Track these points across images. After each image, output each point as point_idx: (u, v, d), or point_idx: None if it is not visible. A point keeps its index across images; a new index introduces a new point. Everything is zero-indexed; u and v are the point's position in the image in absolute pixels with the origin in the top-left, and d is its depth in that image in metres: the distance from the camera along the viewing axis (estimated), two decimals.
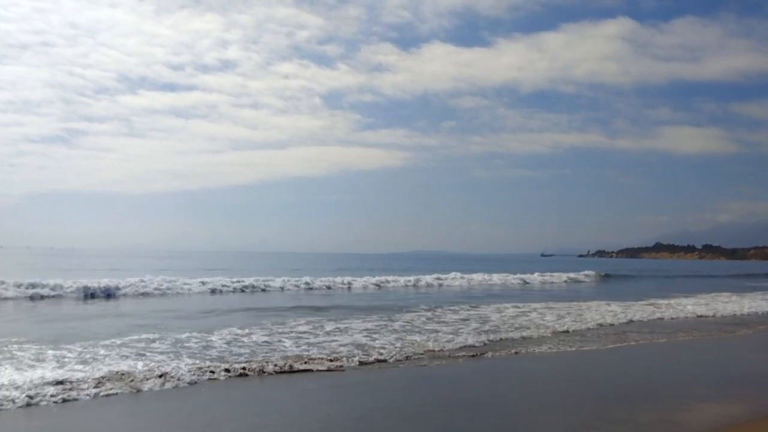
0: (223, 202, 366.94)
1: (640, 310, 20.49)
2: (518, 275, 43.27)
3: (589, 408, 7.97)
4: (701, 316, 19.81)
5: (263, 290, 27.85)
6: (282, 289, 28.80)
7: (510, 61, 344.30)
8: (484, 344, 12.60)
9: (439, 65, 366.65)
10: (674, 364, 11.48)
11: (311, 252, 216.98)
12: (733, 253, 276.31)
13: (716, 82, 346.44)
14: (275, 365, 9.91)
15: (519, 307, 20.49)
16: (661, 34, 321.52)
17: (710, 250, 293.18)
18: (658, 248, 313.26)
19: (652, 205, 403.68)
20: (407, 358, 10.99)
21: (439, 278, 37.22)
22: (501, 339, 13.33)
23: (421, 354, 11.34)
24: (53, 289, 21.95)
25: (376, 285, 32.94)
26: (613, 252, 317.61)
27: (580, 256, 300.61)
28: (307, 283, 30.19)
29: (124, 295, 23.26)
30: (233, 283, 27.92)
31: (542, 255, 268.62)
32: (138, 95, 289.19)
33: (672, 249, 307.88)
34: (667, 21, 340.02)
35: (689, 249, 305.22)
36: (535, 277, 44.12)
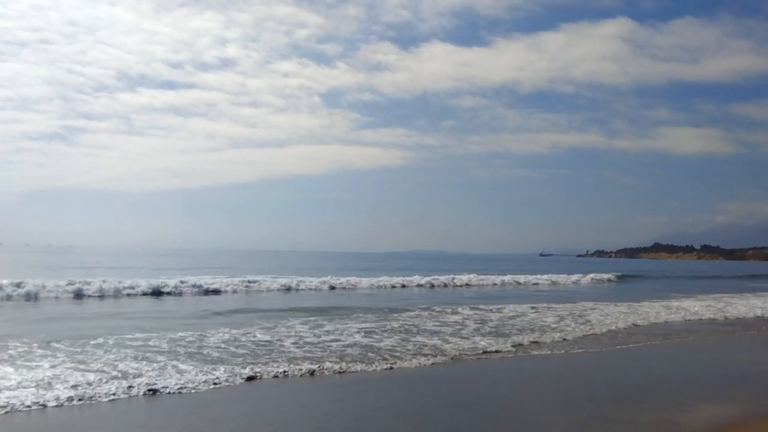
0: (222, 200, 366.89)
1: (650, 311, 20.45)
2: (546, 276, 42.98)
3: (588, 408, 7.95)
4: (713, 319, 19.35)
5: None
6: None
7: (509, 61, 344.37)
8: (513, 348, 12.37)
9: (439, 65, 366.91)
10: (674, 365, 11.46)
11: (309, 250, 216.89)
12: (731, 254, 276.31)
13: (715, 83, 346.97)
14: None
15: (535, 309, 20.23)
16: (660, 35, 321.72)
17: (709, 251, 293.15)
18: (657, 248, 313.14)
19: (650, 205, 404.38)
20: (441, 360, 10.92)
21: (453, 278, 36.58)
22: (521, 344, 13.04)
23: (446, 358, 11.22)
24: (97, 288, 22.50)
25: (401, 285, 32.71)
26: (611, 252, 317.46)
27: (579, 255, 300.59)
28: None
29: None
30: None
31: (541, 255, 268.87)
32: (137, 93, 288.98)
33: (671, 249, 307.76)
34: (666, 21, 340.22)
35: (688, 249, 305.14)
36: (560, 278, 43.41)
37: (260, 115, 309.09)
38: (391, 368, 10.11)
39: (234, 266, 52.96)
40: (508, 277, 40.41)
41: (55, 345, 10.91)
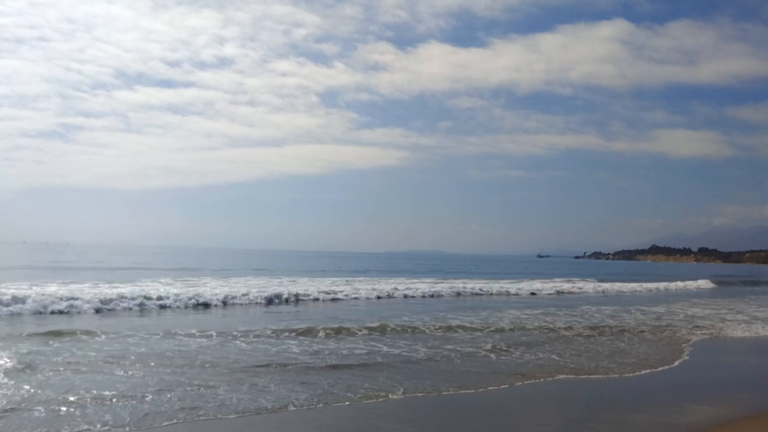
0: (220, 199, 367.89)
1: None
2: (655, 283, 42.57)
3: (584, 409, 8.04)
4: None
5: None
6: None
7: (506, 62, 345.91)
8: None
9: (436, 65, 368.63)
10: (670, 366, 11.53)
11: (306, 250, 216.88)
12: (728, 257, 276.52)
13: (712, 86, 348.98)
14: None
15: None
16: (657, 37, 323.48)
17: (706, 253, 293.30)
18: (654, 251, 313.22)
19: (647, 207, 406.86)
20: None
21: (532, 286, 33.72)
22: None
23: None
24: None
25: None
26: (609, 254, 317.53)
27: (577, 257, 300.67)
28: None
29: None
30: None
31: (538, 256, 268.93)
32: (135, 91, 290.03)
33: (668, 251, 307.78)
34: (663, 24, 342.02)
35: (685, 252, 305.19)
36: (660, 285, 42.46)
37: (258, 114, 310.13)
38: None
39: (256, 267, 51.32)
40: (635, 286, 39.66)
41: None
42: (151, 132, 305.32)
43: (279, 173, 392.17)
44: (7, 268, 37.89)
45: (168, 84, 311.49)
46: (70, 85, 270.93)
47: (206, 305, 19.29)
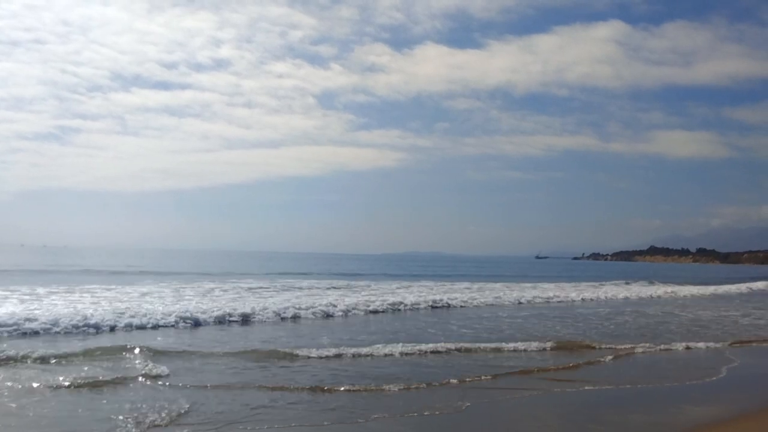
0: (217, 201, 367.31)
1: None
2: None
3: (582, 410, 8.09)
4: None
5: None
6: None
7: (503, 63, 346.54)
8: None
9: (432, 67, 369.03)
10: (668, 368, 11.59)
11: (304, 252, 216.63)
12: (726, 258, 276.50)
13: (708, 87, 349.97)
14: None
15: None
16: (653, 38, 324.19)
17: (704, 254, 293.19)
18: (653, 251, 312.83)
19: (645, 208, 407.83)
20: None
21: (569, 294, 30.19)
22: None
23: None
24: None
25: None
26: (607, 255, 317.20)
27: (575, 258, 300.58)
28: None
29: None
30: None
31: (537, 257, 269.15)
32: (131, 93, 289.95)
33: (666, 252, 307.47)
34: (659, 25, 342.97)
35: (683, 252, 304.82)
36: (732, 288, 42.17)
37: (254, 116, 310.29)
38: None
39: (270, 270, 51.04)
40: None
41: None
42: (147, 134, 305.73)
43: (276, 175, 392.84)
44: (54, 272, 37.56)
45: (164, 86, 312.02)
46: (66, 88, 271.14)
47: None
